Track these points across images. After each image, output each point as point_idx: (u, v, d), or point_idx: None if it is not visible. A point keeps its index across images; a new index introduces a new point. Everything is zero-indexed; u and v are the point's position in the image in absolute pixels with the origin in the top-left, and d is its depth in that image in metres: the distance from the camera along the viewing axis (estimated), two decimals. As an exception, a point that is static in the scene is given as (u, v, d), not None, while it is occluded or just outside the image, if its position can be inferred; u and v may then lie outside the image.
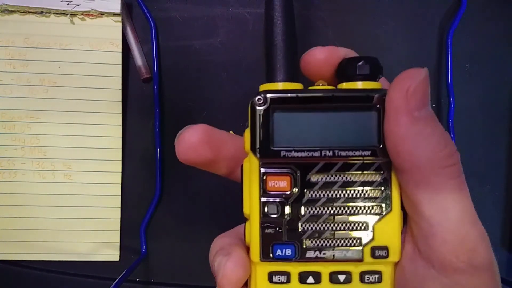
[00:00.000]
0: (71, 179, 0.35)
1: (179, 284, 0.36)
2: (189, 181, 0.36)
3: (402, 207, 0.19)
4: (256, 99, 0.19)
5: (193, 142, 0.21)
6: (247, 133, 0.20)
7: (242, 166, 0.20)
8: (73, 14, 0.34)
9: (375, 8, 0.36)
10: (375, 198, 0.19)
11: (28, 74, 0.34)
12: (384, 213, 0.19)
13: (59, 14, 0.34)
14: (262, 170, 0.19)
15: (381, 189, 0.19)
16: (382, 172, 0.19)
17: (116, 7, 0.34)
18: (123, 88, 0.35)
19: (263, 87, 0.20)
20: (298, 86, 0.20)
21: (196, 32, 0.35)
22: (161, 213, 0.36)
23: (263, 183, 0.19)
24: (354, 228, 0.19)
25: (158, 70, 0.35)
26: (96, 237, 0.35)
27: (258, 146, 0.19)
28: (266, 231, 0.19)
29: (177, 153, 0.21)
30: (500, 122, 0.36)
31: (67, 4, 0.33)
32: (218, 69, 0.35)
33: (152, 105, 0.35)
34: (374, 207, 0.19)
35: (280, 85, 0.20)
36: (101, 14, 0.34)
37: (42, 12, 0.34)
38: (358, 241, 0.19)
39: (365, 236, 0.19)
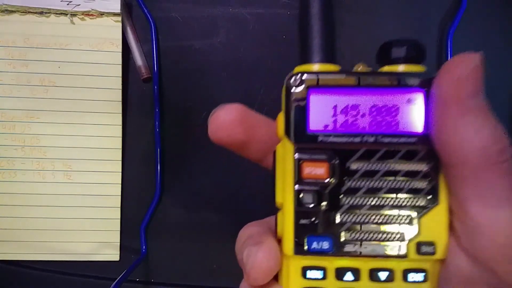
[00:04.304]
0: (71, 179, 0.35)
1: (179, 284, 0.36)
2: (189, 181, 0.36)
3: None
4: (292, 80, 0.18)
5: (227, 121, 0.20)
6: (281, 117, 0.19)
7: (274, 152, 0.19)
8: (73, 14, 0.34)
9: (375, 8, 0.36)
10: (421, 189, 0.18)
11: (28, 74, 0.34)
12: (430, 206, 0.18)
13: (59, 14, 0.34)
14: (297, 156, 0.18)
15: (427, 180, 0.18)
16: (428, 161, 0.18)
17: (116, 7, 0.34)
18: (123, 88, 0.35)
19: (298, 68, 0.19)
20: (334, 68, 0.19)
21: (196, 32, 0.35)
22: (161, 213, 0.36)
23: (298, 170, 0.18)
24: (398, 221, 0.18)
25: (158, 70, 0.35)
26: (96, 237, 0.35)
27: (293, 130, 0.18)
28: (301, 222, 0.18)
29: (209, 132, 0.20)
30: (500, 122, 0.36)
31: (67, 4, 0.33)
32: (218, 69, 0.35)
33: (152, 105, 0.35)
34: (420, 199, 0.18)
35: (316, 67, 0.19)
36: (101, 14, 0.34)
37: (42, 12, 0.34)
38: (402, 235, 0.18)
39: (410, 231, 0.18)
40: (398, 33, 0.36)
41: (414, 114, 0.18)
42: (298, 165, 0.18)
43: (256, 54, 0.35)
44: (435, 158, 0.18)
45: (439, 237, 0.18)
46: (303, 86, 0.18)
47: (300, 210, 0.18)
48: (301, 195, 0.18)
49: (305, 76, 0.18)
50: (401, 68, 0.18)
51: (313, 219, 0.18)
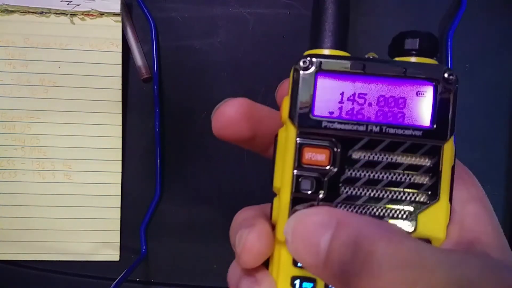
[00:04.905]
0: (71, 179, 0.35)
1: (179, 284, 0.36)
2: (189, 181, 0.36)
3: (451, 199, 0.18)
4: (301, 62, 0.18)
5: (232, 116, 0.19)
6: (286, 100, 0.18)
7: (276, 135, 0.19)
8: (73, 14, 0.34)
9: (375, 8, 0.36)
10: (422, 184, 0.17)
11: (28, 74, 0.34)
12: (430, 202, 0.17)
13: (59, 14, 0.34)
14: (299, 140, 0.17)
15: (429, 175, 0.17)
16: (432, 156, 0.17)
17: (116, 7, 0.34)
18: (123, 88, 0.35)
19: (308, 53, 0.19)
20: (345, 54, 0.19)
21: (196, 32, 0.35)
22: (161, 213, 0.36)
23: (299, 154, 0.17)
24: (395, 215, 0.17)
25: (158, 70, 0.35)
26: (96, 237, 0.35)
27: (297, 113, 0.17)
28: (297, 207, 0.17)
29: (213, 128, 0.19)
30: (500, 122, 0.36)
31: (67, 4, 0.33)
32: (218, 69, 0.35)
33: (152, 105, 0.35)
34: (420, 195, 0.17)
35: (326, 52, 0.19)
36: (101, 14, 0.34)
37: (42, 12, 0.34)
38: None
39: (407, 226, 0.17)
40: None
41: (422, 107, 0.17)
42: (299, 150, 0.17)
43: (256, 54, 0.35)
44: (439, 153, 0.17)
45: (436, 234, 0.17)
46: (311, 69, 0.18)
47: (297, 196, 0.18)
48: (299, 181, 0.17)
49: (314, 60, 0.18)
50: (413, 60, 0.18)
51: (309, 206, 0.18)
